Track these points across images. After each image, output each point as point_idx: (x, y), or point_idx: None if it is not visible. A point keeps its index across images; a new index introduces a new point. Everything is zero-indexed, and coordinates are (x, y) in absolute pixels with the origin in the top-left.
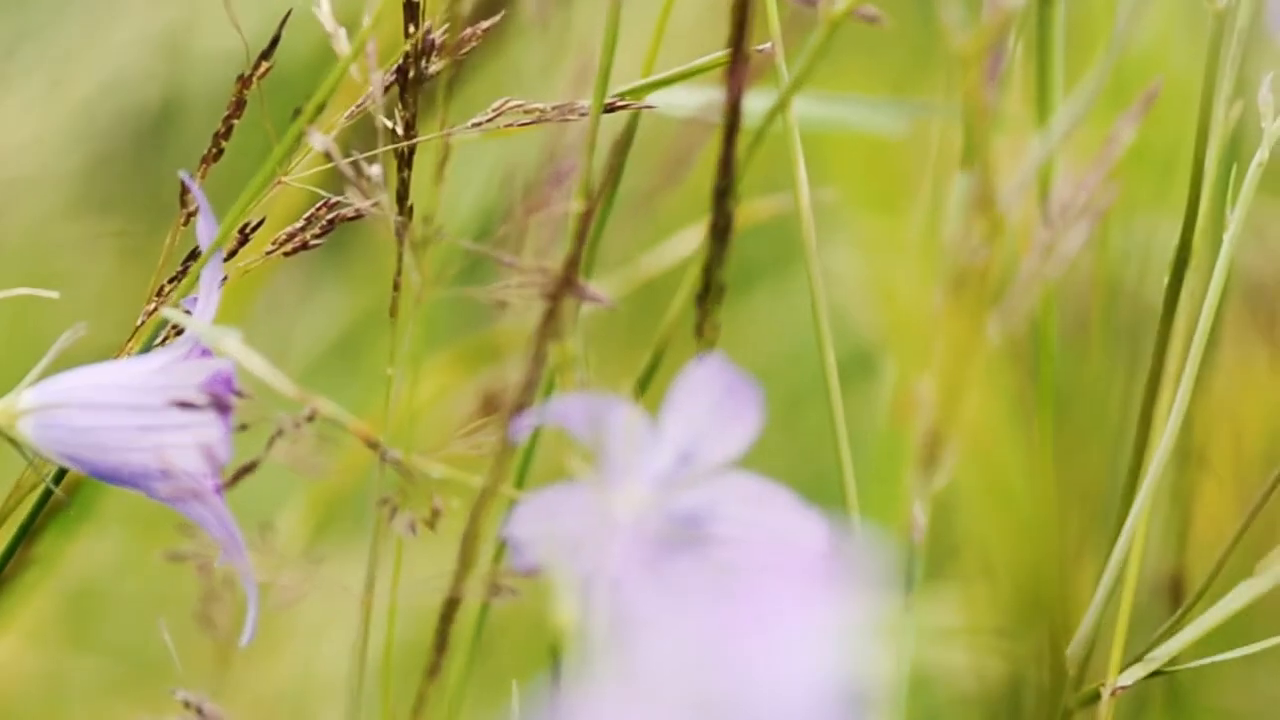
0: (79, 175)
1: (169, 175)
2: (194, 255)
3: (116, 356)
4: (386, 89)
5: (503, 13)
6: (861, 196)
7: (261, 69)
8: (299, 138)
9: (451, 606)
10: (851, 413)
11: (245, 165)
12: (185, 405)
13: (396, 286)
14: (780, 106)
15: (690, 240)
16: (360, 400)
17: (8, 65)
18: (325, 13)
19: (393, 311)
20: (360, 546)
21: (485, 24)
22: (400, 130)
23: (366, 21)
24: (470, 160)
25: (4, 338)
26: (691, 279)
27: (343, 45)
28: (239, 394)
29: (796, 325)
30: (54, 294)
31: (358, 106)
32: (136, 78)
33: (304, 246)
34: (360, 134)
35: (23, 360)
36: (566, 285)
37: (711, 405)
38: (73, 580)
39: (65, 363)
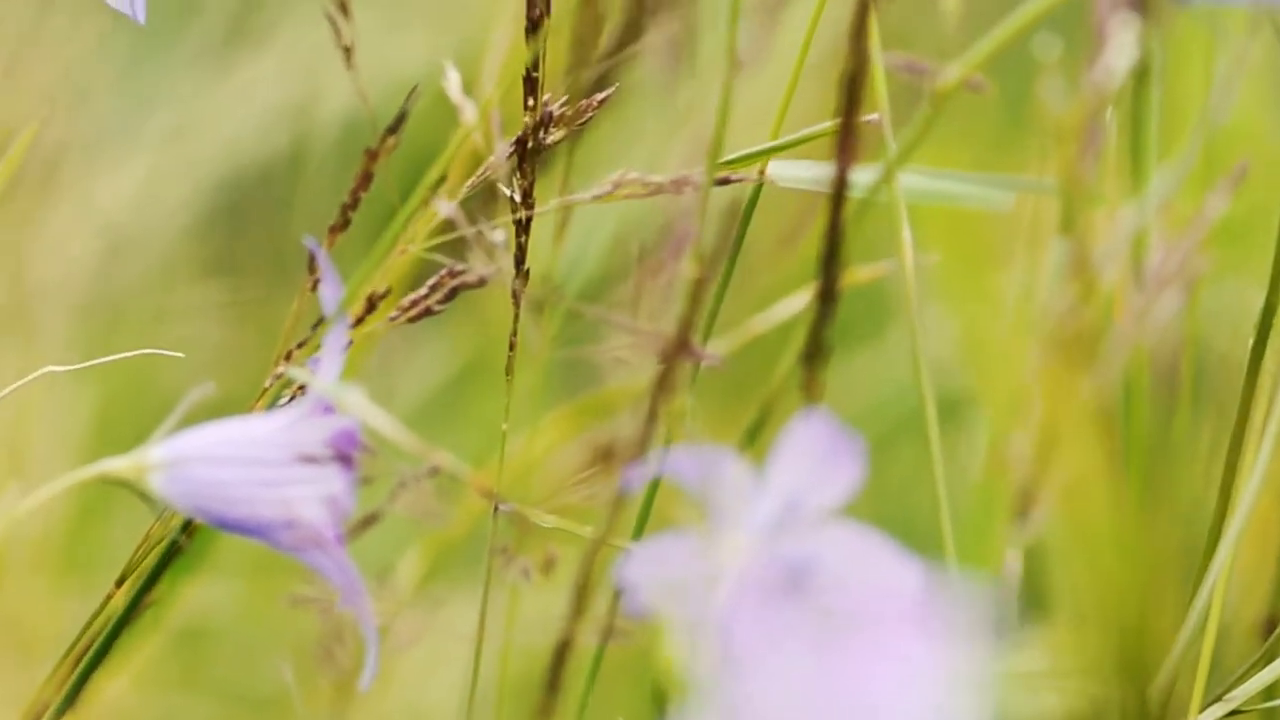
0: (194, 237)
1: (280, 237)
2: (322, 322)
3: (244, 414)
4: (508, 158)
5: (617, 85)
6: (957, 261)
7: (388, 143)
8: (422, 205)
9: (563, 648)
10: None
11: (360, 226)
12: (310, 460)
13: (512, 347)
14: (886, 179)
15: (797, 303)
16: (461, 446)
17: (129, 129)
18: (454, 86)
19: (509, 370)
20: (471, 590)
21: (601, 95)
22: (518, 198)
23: (489, 92)
24: (581, 221)
25: (119, 395)
26: (798, 339)
27: (469, 116)
28: (363, 449)
29: (884, 378)
30: (179, 354)
31: (480, 175)
32: (255, 142)
33: (427, 312)
34: (475, 200)
35: (135, 418)
36: (680, 347)
37: (816, 457)
38: (187, 623)
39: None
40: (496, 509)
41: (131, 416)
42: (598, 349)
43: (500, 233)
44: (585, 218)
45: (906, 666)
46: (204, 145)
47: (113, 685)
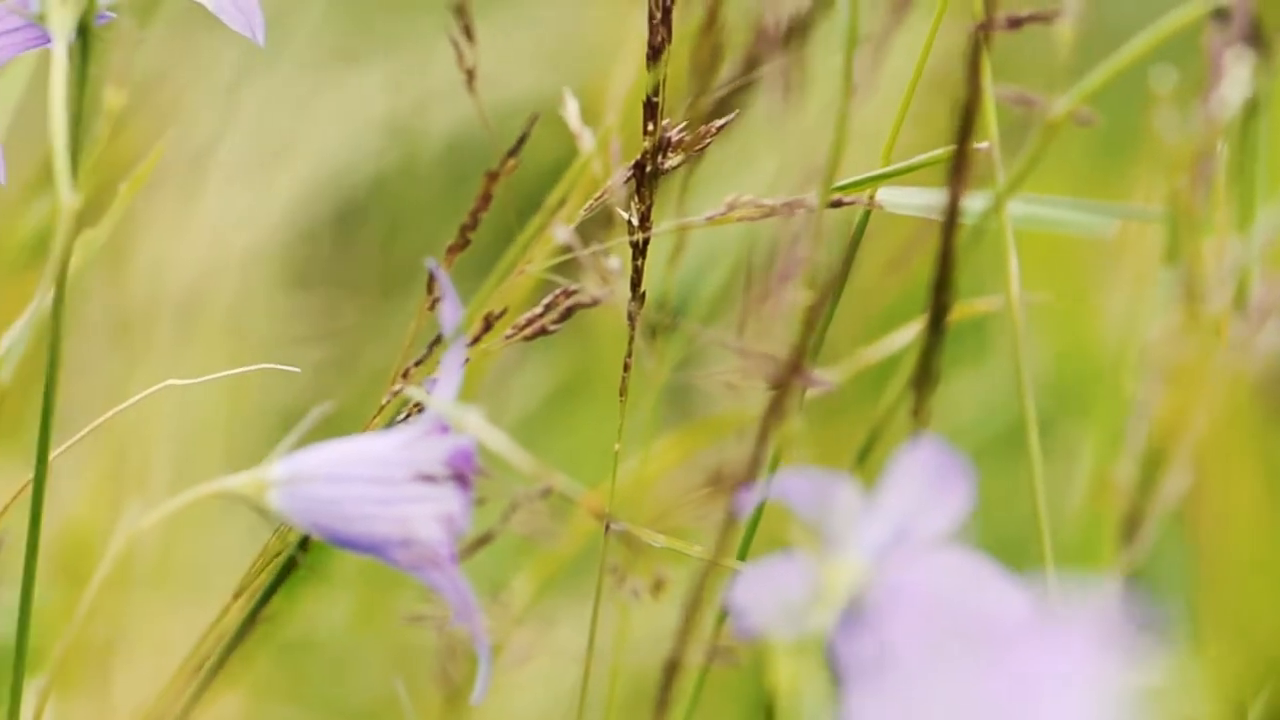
0: (294, 253)
1: (388, 253)
2: (439, 340)
3: (359, 431)
4: (625, 182)
5: (738, 111)
6: (1061, 287)
7: (508, 166)
8: (541, 229)
9: (672, 668)
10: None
11: (474, 247)
12: (428, 479)
13: (627, 368)
14: (998, 206)
15: (908, 335)
16: (561, 464)
17: (240, 146)
18: (572, 113)
19: (623, 392)
20: (582, 609)
21: (720, 122)
22: (636, 221)
23: (610, 120)
24: (694, 245)
25: (237, 410)
26: (907, 364)
27: (587, 144)
28: (479, 470)
29: (977, 398)
30: (295, 369)
31: (597, 199)
32: (364, 159)
33: (543, 331)
34: (588, 222)
35: (253, 432)
36: (793, 372)
37: (926, 483)
38: (301, 636)
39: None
40: (608, 529)
41: (250, 431)
42: (708, 372)
43: (616, 260)
44: (698, 242)
45: (1047, 683)
46: (313, 162)
47: (228, 697)
